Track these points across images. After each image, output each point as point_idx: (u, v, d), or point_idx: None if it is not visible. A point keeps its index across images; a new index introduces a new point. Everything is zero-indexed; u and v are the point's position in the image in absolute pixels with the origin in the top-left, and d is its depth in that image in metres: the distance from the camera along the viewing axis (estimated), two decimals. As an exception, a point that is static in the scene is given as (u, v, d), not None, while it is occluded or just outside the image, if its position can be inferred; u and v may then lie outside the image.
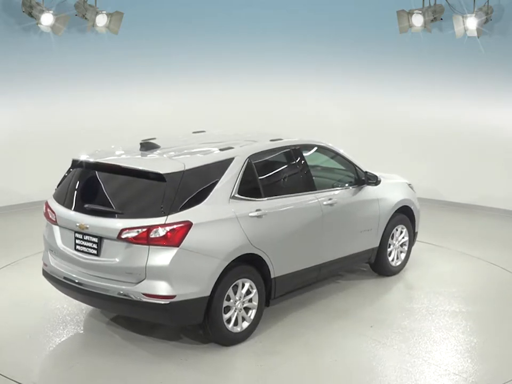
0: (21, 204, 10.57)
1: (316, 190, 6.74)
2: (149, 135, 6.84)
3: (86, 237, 5.77)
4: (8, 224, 10.04)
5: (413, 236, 8.01)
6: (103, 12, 10.46)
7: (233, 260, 5.78)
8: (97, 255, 5.71)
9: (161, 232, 5.39)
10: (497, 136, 10.85)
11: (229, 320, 5.86)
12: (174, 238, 5.42)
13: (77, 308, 6.68)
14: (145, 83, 11.57)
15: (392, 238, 7.70)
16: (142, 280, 5.49)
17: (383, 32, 11.20)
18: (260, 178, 6.28)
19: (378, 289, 7.48)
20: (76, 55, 10.95)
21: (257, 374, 5.60)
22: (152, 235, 5.39)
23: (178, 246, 5.43)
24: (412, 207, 7.92)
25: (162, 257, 5.42)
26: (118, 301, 5.65)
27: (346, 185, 7.20)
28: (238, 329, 5.95)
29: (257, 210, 6.04)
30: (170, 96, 11.75)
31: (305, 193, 6.63)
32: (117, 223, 5.54)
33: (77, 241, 5.85)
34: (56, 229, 6.08)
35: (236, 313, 5.91)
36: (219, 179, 5.87)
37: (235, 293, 5.89)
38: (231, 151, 6.16)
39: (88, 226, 5.70)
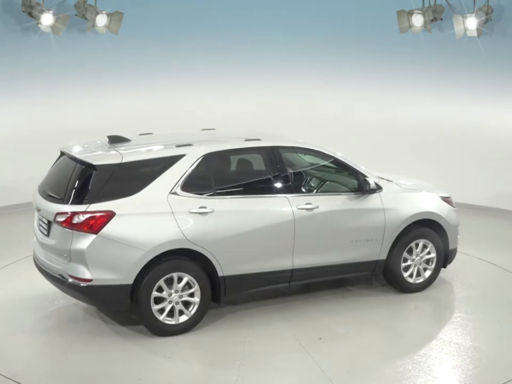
0: (21, 204, 10.56)
1: (291, 193, 6.56)
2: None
3: (43, 219, 6.27)
4: (8, 224, 10.05)
5: (443, 253, 7.36)
6: (103, 12, 10.48)
7: (165, 253, 5.94)
8: (47, 235, 6.17)
9: (81, 218, 5.73)
10: (498, 136, 10.85)
11: (162, 311, 6.03)
12: (93, 226, 5.73)
13: (74, 304, 6.75)
14: (145, 83, 11.56)
15: (409, 253, 7.18)
16: (69, 262, 5.87)
17: (383, 32, 11.19)
18: (215, 177, 6.34)
19: (379, 304, 7.00)
20: (76, 55, 10.97)
21: (153, 367, 5.64)
22: (74, 221, 5.74)
23: (96, 233, 5.72)
24: (441, 222, 7.27)
25: (81, 242, 5.75)
26: (57, 280, 6.10)
27: (339, 190, 6.92)
28: (172, 321, 6.08)
29: (201, 207, 6.09)
30: (171, 96, 11.74)
31: (273, 195, 6.50)
32: (54, 208, 5.96)
33: (40, 222, 6.38)
34: (35, 211, 6.56)
35: (170, 306, 6.05)
36: (161, 174, 6.07)
37: (169, 286, 6.02)
38: (184, 148, 6.28)
39: (40, 209, 6.22)
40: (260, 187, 6.57)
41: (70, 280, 5.86)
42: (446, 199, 7.52)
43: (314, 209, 6.58)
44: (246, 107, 11.73)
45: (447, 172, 11.26)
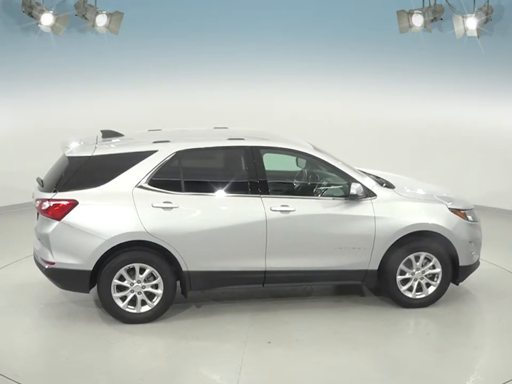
0: (21, 204, 10.57)
1: (267, 194, 6.45)
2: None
3: None
4: (8, 224, 10.07)
5: (451, 269, 6.79)
6: (103, 12, 10.49)
7: (128, 244, 6.17)
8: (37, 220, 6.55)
9: (47, 205, 6.15)
10: (497, 136, 10.86)
11: (123, 299, 6.30)
12: (57, 212, 6.12)
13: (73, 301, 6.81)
14: (145, 83, 11.57)
15: (407, 265, 6.71)
16: (42, 245, 6.31)
17: (383, 32, 11.19)
18: (186, 174, 6.48)
19: (365, 317, 6.57)
20: (76, 55, 10.99)
21: (89, 348, 5.88)
22: (43, 207, 6.17)
23: (59, 220, 6.11)
24: (446, 235, 6.69)
25: (47, 227, 6.19)
26: (38, 264, 6.50)
27: (325, 195, 6.63)
28: (134, 310, 6.33)
29: (165, 202, 6.23)
30: (171, 96, 11.74)
31: (246, 195, 6.44)
32: (36, 194, 6.39)
33: None
34: None
35: (132, 295, 6.29)
36: (130, 168, 6.30)
37: (133, 276, 6.27)
38: (159, 145, 6.46)
39: (33, 195, 6.56)
40: (232, 186, 6.51)
41: (41, 262, 6.28)
42: (459, 211, 6.88)
43: (290, 212, 6.43)
44: (246, 107, 11.71)
45: (447, 172, 11.27)
